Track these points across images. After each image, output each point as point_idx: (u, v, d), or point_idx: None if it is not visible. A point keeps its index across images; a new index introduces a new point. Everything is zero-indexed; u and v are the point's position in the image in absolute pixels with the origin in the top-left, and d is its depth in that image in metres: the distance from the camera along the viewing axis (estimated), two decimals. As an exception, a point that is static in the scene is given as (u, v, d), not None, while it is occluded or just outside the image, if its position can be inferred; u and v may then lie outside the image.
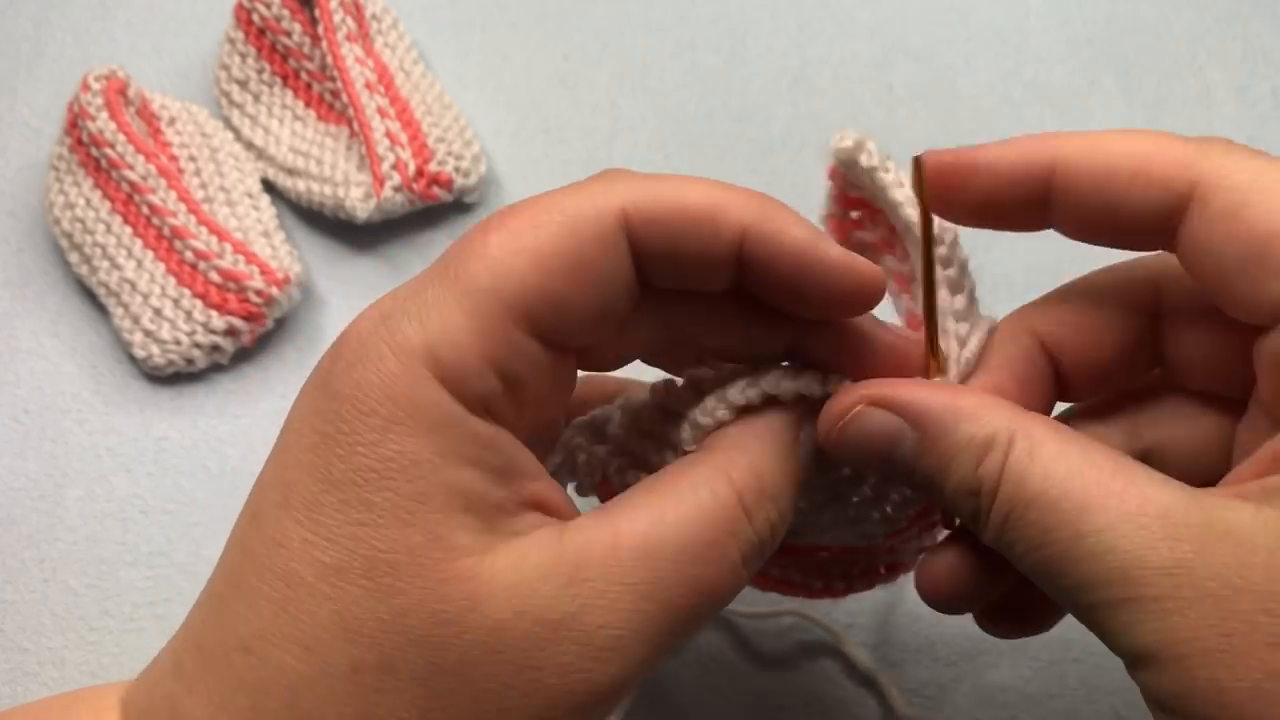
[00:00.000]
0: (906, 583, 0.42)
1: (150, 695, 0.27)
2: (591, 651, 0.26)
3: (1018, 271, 0.47)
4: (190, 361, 0.45)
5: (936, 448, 0.28)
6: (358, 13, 0.49)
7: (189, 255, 0.45)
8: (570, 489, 0.32)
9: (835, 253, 0.28)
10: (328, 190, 0.47)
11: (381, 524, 0.26)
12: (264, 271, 0.45)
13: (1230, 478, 0.28)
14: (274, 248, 0.46)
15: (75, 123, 0.46)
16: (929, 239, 0.30)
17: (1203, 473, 0.29)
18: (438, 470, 0.26)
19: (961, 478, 0.27)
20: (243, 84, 0.50)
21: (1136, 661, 0.26)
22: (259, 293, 0.45)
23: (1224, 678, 0.24)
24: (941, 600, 0.31)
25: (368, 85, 0.48)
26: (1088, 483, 0.26)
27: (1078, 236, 0.29)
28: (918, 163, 0.29)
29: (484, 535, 0.26)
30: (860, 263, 0.28)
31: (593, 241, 0.27)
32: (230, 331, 0.45)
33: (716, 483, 0.28)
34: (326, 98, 0.49)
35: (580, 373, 0.30)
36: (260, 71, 0.50)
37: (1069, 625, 0.41)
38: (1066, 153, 0.28)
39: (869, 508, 0.33)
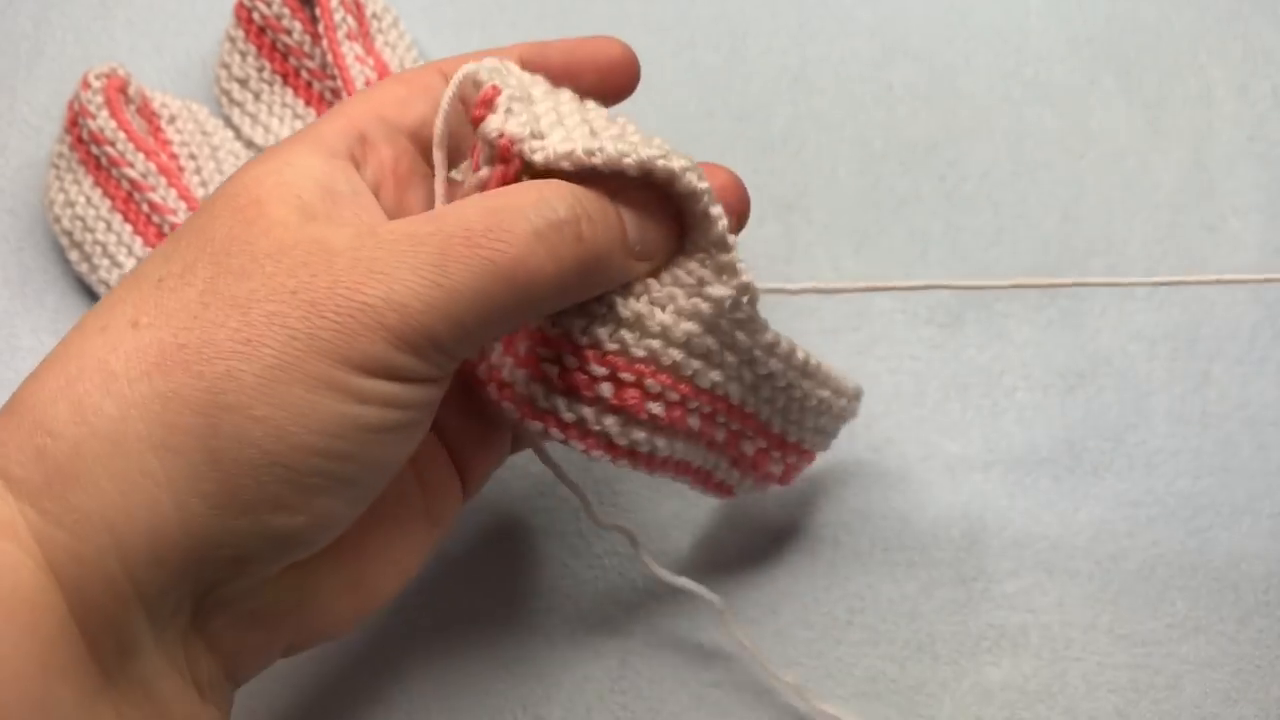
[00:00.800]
0: (908, 579, 0.42)
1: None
2: (362, 271, 0.28)
3: (1017, 270, 0.47)
4: (190, 359, 0.45)
5: None
6: (358, 11, 0.49)
7: (189, 253, 0.45)
8: None
9: (591, 39, 0.37)
10: (328, 189, 0.47)
11: (217, 209, 0.30)
12: (264, 269, 0.45)
13: None
14: (274, 246, 0.46)
15: (75, 121, 0.46)
16: None
17: None
18: (278, 173, 0.30)
19: None
20: (243, 82, 0.50)
21: None
22: (259, 291, 0.45)
23: None
24: None
25: (368, 84, 0.48)
26: None
27: None
28: None
29: (310, 214, 0.30)
30: (605, 38, 0.37)
31: (415, 72, 0.35)
32: (230, 329, 0.45)
33: (523, 185, 0.30)
34: (327, 96, 0.49)
35: None
36: (260, 70, 0.50)
37: (1070, 623, 0.41)
38: None
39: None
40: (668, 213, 0.32)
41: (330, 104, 0.49)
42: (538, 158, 0.30)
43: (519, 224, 0.29)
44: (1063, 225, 0.48)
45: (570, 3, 0.53)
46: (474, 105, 0.31)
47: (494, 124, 0.30)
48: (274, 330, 0.27)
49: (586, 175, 0.31)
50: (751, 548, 0.42)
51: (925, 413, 0.44)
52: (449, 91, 0.33)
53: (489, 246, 0.28)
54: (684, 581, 0.38)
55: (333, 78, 0.49)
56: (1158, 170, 0.49)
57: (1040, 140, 0.49)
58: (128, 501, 0.26)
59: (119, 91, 0.47)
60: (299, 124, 0.49)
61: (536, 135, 0.30)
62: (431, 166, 0.34)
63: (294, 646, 0.32)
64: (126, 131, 0.46)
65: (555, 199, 0.30)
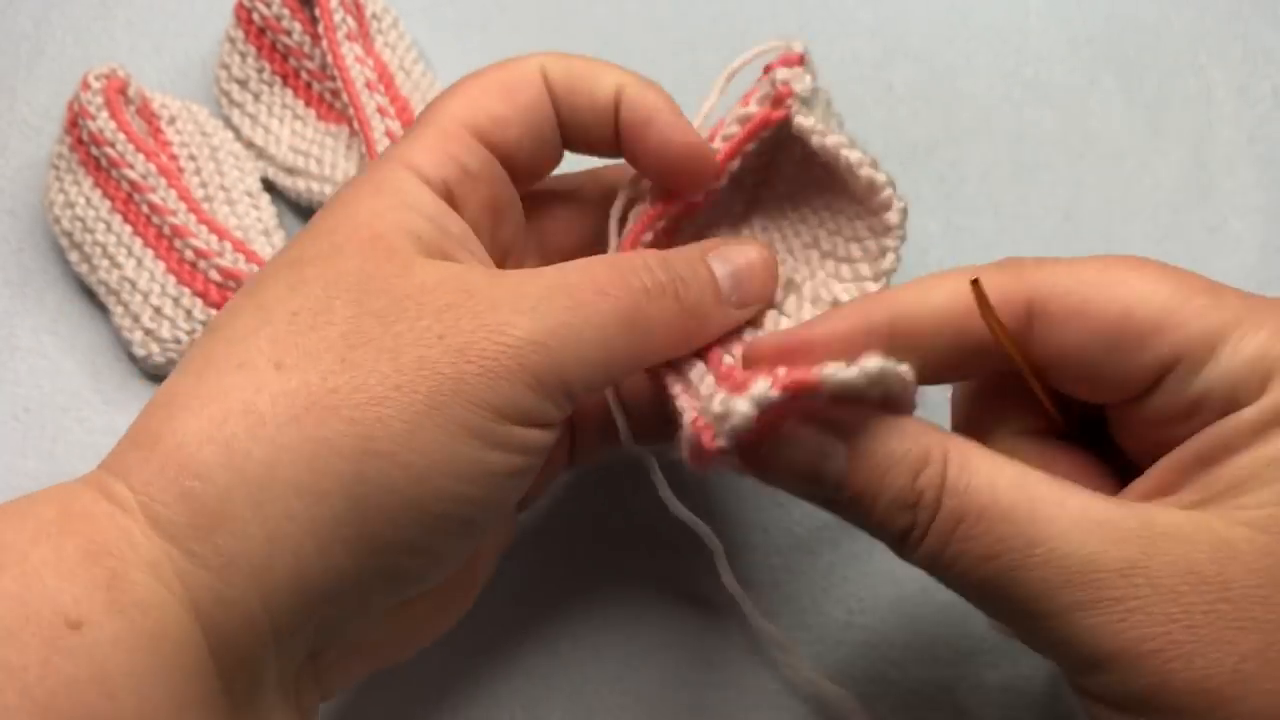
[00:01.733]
0: (907, 581, 0.42)
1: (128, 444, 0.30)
2: (505, 312, 0.29)
3: (1018, 271, 0.47)
4: (190, 360, 0.45)
5: (867, 461, 0.28)
6: (358, 12, 0.49)
7: (189, 254, 0.45)
8: None
9: (689, 138, 0.35)
10: (328, 189, 0.47)
11: (340, 240, 0.31)
12: (264, 270, 0.45)
13: (1130, 492, 0.29)
14: (274, 247, 0.46)
15: (75, 121, 0.46)
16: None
17: None
18: (391, 210, 0.31)
19: (898, 491, 0.28)
20: (243, 83, 0.50)
21: (1098, 665, 0.26)
22: (259, 291, 0.45)
23: (1200, 666, 0.25)
24: None
25: (368, 84, 0.48)
26: (1031, 494, 0.27)
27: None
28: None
29: (432, 251, 0.31)
30: (706, 150, 0.35)
31: (518, 77, 0.34)
32: (230, 330, 0.45)
33: (631, 252, 0.33)
34: (326, 97, 0.49)
35: None
36: (260, 71, 0.50)
37: (1069, 624, 0.41)
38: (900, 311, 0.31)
39: None
40: (768, 266, 0.35)
41: (330, 105, 0.49)
42: (798, 120, 0.35)
43: (634, 280, 0.31)
44: (1063, 225, 0.48)
45: (571, 4, 0.53)
46: (780, 55, 0.36)
47: (785, 74, 0.35)
48: (424, 375, 0.28)
49: (795, 162, 0.37)
50: (750, 550, 0.42)
51: (925, 413, 0.44)
52: (617, 208, 0.37)
53: (615, 296, 0.31)
54: (687, 515, 0.37)
55: (333, 78, 0.49)
56: (1158, 170, 0.49)
57: (1040, 140, 0.49)
58: (274, 546, 0.27)
59: (119, 93, 0.47)
60: (299, 125, 0.49)
61: (809, 104, 0.35)
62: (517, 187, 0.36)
63: (378, 667, 0.34)
64: (126, 133, 0.46)
65: (656, 265, 0.32)
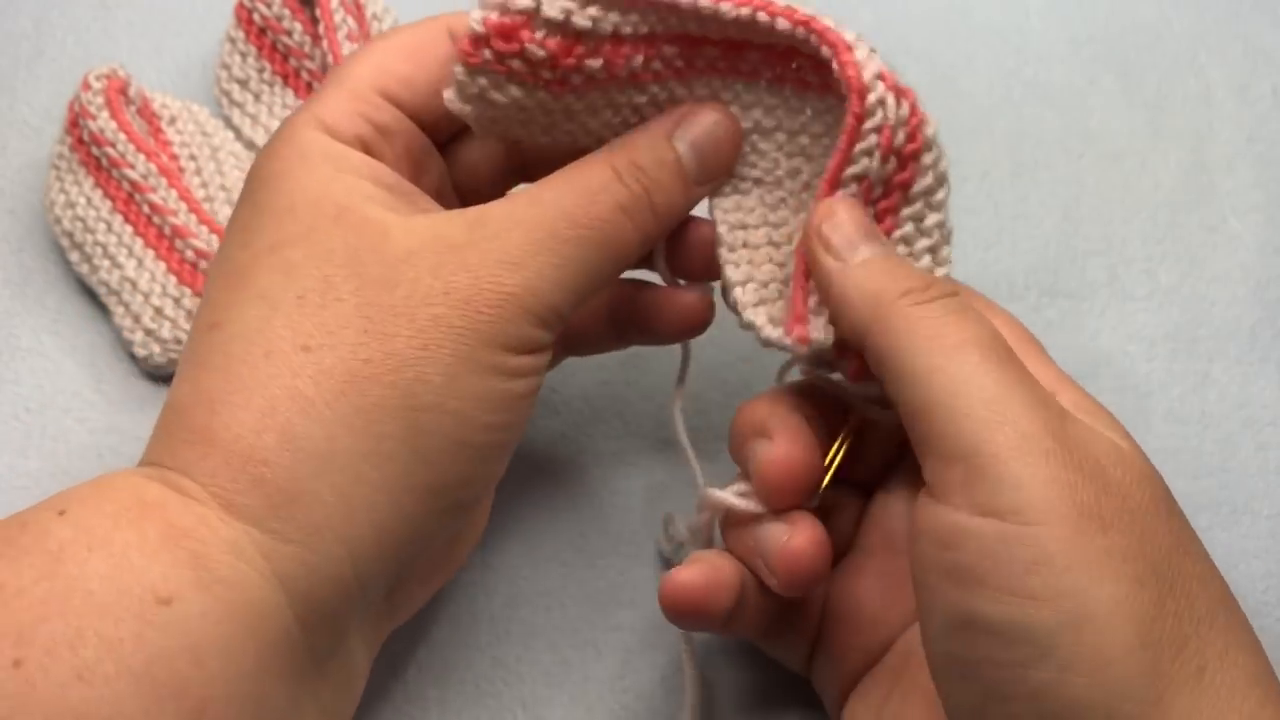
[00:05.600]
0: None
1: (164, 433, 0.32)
2: (491, 265, 0.32)
3: (1017, 270, 0.47)
4: (191, 360, 0.45)
5: None
6: (358, 12, 0.49)
7: (190, 254, 0.45)
8: None
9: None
10: (328, 189, 0.47)
11: (308, 219, 0.32)
12: (264, 270, 0.45)
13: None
14: (274, 247, 0.46)
15: (76, 121, 0.46)
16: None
17: None
18: (336, 178, 0.33)
19: None
20: (243, 83, 0.50)
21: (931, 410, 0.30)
22: (259, 292, 0.45)
23: (1034, 476, 0.29)
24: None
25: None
26: None
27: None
28: None
29: (392, 209, 0.33)
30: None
31: (425, 38, 0.35)
32: (231, 330, 0.45)
33: (594, 160, 0.34)
34: (327, 97, 0.49)
35: None
36: (261, 71, 0.50)
37: (1069, 624, 0.41)
38: None
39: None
40: (732, 135, 0.35)
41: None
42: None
43: (607, 201, 0.33)
44: (1063, 225, 0.48)
45: (570, 3, 0.53)
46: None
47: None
48: (443, 332, 0.31)
49: None
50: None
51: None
52: None
53: (589, 226, 0.33)
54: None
55: (333, 78, 0.49)
56: (1158, 170, 0.49)
57: (1040, 140, 0.49)
58: (350, 508, 0.30)
59: (119, 93, 0.47)
60: (299, 124, 0.49)
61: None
62: (436, 143, 0.36)
63: (435, 588, 0.38)
64: (127, 133, 0.46)
65: (626, 174, 0.34)
